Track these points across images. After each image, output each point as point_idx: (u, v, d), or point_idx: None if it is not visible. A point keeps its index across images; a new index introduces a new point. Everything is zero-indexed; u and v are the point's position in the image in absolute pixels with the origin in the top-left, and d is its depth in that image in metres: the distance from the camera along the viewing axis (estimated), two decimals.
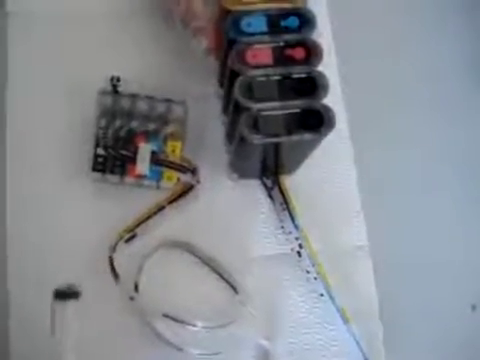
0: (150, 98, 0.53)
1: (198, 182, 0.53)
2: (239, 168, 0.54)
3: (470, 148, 0.61)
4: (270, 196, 0.56)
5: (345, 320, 0.52)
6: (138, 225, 0.52)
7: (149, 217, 0.52)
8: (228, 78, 0.46)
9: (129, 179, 0.52)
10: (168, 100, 0.53)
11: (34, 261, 0.52)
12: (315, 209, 0.56)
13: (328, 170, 0.58)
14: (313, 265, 0.54)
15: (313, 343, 0.54)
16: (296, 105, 0.44)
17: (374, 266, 0.56)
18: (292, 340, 0.53)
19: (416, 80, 0.61)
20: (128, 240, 0.52)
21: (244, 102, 0.43)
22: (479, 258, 0.58)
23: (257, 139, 0.43)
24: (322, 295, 0.54)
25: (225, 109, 0.53)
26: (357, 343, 0.52)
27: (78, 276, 0.52)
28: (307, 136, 0.43)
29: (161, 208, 0.52)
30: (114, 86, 0.52)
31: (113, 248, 0.51)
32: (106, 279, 0.51)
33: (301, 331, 0.54)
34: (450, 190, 0.59)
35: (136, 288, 0.51)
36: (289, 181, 0.56)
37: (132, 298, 0.51)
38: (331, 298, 0.53)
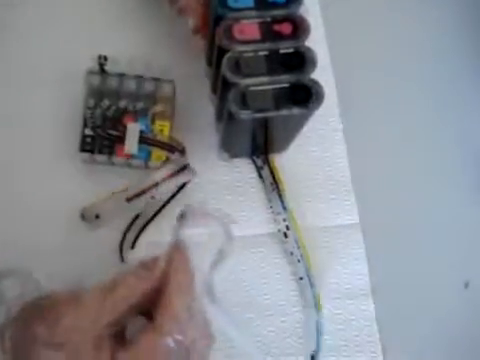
0: (138, 77, 0.53)
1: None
2: (229, 147, 0.54)
3: (462, 125, 0.61)
4: (260, 175, 0.56)
5: (317, 308, 0.53)
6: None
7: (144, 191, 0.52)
8: (216, 55, 0.45)
9: (117, 159, 0.52)
10: (156, 79, 0.53)
11: (22, 241, 0.51)
12: (306, 187, 0.56)
13: (318, 148, 0.57)
14: (298, 248, 0.54)
15: (278, 326, 0.54)
16: (284, 80, 0.43)
17: (366, 244, 0.55)
18: (256, 323, 0.53)
19: (409, 55, 0.61)
20: None
21: (232, 78, 0.42)
22: (471, 235, 0.58)
23: (245, 114, 0.42)
24: (301, 279, 0.54)
25: (214, 87, 0.52)
26: (318, 335, 0.52)
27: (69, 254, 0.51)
28: (296, 111, 0.43)
29: (155, 184, 0.52)
30: (101, 65, 0.52)
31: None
32: None
33: (272, 312, 0.54)
34: (443, 168, 0.59)
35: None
36: (279, 160, 0.56)
37: None
38: (310, 283, 0.53)
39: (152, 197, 0.51)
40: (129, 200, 0.51)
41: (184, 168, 0.51)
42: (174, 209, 0.52)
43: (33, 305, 0.41)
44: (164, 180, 0.51)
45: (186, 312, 0.42)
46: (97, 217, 0.51)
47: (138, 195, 0.51)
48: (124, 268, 0.45)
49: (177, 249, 0.43)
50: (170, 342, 0.40)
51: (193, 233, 0.45)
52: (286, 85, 0.43)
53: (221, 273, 0.46)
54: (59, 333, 0.39)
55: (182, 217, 0.45)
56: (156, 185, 0.51)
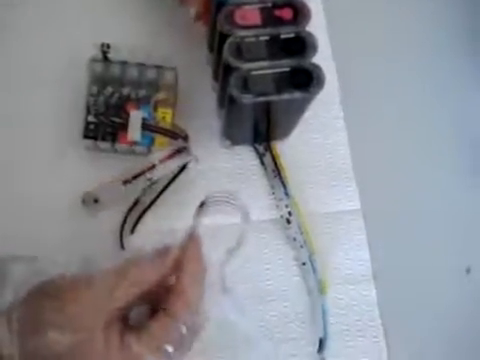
0: (140, 65, 0.53)
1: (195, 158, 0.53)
2: (231, 134, 0.55)
3: (462, 111, 0.61)
4: (262, 162, 0.56)
5: (322, 293, 0.53)
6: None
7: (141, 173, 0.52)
8: (218, 41, 0.46)
9: (121, 146, 0.52)
10: (158, 67, 0.53)
11: (26, 228, 0.52)
12: (307, 174, 0.57)
13: (320, 136, 0.58)
14: (301, 233, 0.54)
15: (281, 311, 0.54)
16: (285, 64, 0.44)
17: (367, 230, 0.56)
18: (260, 307, 0.54)
19: (409, 42, 0.61)
20: None
21: (233, 62, 0.43)
22: (473, 221, 0.58)
23: (247, 98, 0.43)
24: (304, 264, 0.54)
25: (215, 75, 0.53)
26: (324, 319, 0.52)
27: (72, 240, 0.52)
28: (297, 94, 0.43)
29: (152, 166, 0.52)
30: (104, 53, 0.52)
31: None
32: None
33: (274, 297, 0.54)
34: (443, 154, 0.59)
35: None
36: (281, 147, 0.56)
37: None
38: (313, 268, 0.53)
39: (149, 179, 0.51)
40: (126, 182, 0.51)
41: (181, 150, 0.51)
42: (175, 195, 0.53)
43: (41, 288, 0.41)
44: (161, 162, 0.51)
45: (199, 301, 0.43)
46: (96, 201, 0.52)
47: (135, 177, 0.51)
48: (136, 254, 0.46)
49: (191, 238, 0.44)
50: (183, 329, 0.41)
51: (210, 222, 0.46)
52: (287, 69, 0.44)
53: (236, 260, 0.47)
54: (68, 316, 0.39)
55: (202, 206, 0.46)
56: (153, 167, 0.51)
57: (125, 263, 0.42)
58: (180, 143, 0.52)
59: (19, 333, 0.39)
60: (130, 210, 0.53)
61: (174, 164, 0.52)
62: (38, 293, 0.41)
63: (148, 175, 0.51)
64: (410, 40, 0.61)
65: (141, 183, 0.51)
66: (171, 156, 0.51)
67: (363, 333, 0.54)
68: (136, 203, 0.53)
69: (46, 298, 0.40)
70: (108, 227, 0.53)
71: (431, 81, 0.61)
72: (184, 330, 0.41)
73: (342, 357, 0.53)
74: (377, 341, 0.54)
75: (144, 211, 0.53)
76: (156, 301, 0.43)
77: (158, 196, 0.53)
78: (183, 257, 0.43)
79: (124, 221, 0.52)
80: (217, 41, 0.46)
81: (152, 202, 0.53)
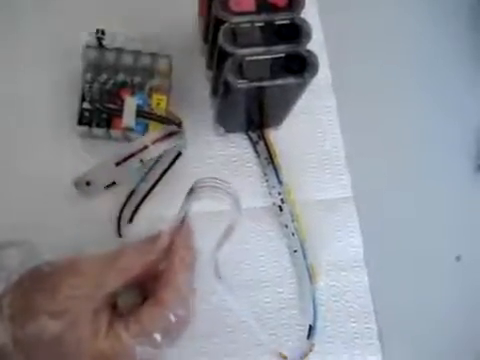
0: (135, 52, 0.53)
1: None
2: (225, 122, 0.55)
3: (456, 101, 0.61)
4: (255, 150, 0.57)
5: (312, 280, 0.54)
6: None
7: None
8: (213, 28, 0.46)
9: (115, 132, 0.52)
10: (153, 54, 0.53)
11: (21, 214, 0.52)
12: (300, 162, 0.57)
13: (312, 124, 0.58)
14: (293, 221, 0.54)
15: (274, 297, 0.54)
16: (280, 50, 0.44)
17: (360, 217, 0.56)
18: (253, 293, 0.54)
19: (402, 30, 0.61)
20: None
21: (229, 48, 0.43)
22: (464, 210, 0.59)
23: (242, 84, 0.43)
24: (296, 251, 0.55)
25: (209, 63, 0.53)
26: (314, 306, 0.53)
27: (68, 227, 0.52)
28: (291, 80, 0.44)
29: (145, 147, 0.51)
30: (99, 39, 0.52)
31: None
32: None
33: (268, 284, 0.55)
34: (435, 145, 0.60)
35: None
36: (274, 135, 0.56)
37: None
38: (304, 255, 0.54)
39: (141, 160, 0.51)
40: (118, 164, 0.51)
41: (173, 133, 0.51)
42: (169, 183, 0.53)
43: (32, 273, 0.41)
44: (153, 143, 0.51)
45: (188, 287, 0.43)
46: (88, 184, 0.52)
47: (126, 159, 0.51)
48: (126, 241, 0.46)
49: (181, 224, 0.44)
50: (172, 317, 0.41)
51: (202, 208, 0.46)
52: (282, 55, 0.44)
53: (229, 247, 0.47)
54: (58, 301, 0.39)
55: (192, 192, 0.46)
56: (145, 148, 0.51)
57: (113, 250, 0.42)
58: (174, 129, 0.52)
59: (11, 319, 0.39)
60: (127, 199, 0.53)
61: (166, 146, 0.51)
62: (28, 279, 0.41)
63: (139, 156, 0.51)
64: (403, 29, 0.61)
65: (134, 165, 0.51)
66: (164, 138, 0.51)
67: (355, 319, 0.54)
68: (133, 192, 0.53)
69: (36, 284, 0.40)
70: (105, 215, 0.53)
71: (424, 68, 0.61)
72: (173, 318, 0.41)
73: (334, 342, 0.54)
74: (369, 327, 0.54)
75: (142, 200, 0.53)
76: (146, 288, 0.43)
77: (154, 184, 0.54)
78: (173, 244, 0.43)
79: (121, 210, 0.53)
80: (212, 28, 0.46)
81: (149, 191, 0.54)
